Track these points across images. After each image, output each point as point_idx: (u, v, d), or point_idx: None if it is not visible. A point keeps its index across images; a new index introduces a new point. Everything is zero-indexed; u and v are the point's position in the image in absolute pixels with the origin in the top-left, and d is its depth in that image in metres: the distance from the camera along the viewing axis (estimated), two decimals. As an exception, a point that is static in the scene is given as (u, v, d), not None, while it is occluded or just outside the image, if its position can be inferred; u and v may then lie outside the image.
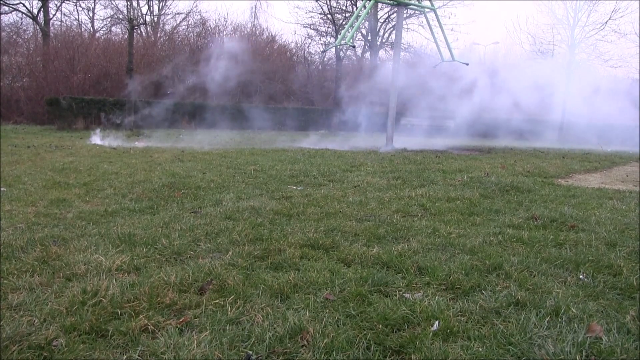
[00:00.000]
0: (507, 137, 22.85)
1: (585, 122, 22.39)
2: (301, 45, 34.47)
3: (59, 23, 29.51)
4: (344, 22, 28.49)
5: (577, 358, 1.92)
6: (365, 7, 14.44)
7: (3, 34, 24.24)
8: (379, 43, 31.27)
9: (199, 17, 33.34)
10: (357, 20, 15.88)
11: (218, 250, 3.25)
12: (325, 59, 32.42)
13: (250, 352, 1.94)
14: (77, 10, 39.68)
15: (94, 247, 3.23)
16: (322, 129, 20.61)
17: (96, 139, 14.00)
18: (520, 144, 19.19)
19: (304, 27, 35.77)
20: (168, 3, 34.34)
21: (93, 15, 32.23)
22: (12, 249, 3.15)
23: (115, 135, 14.74)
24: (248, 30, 30.28)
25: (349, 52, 32.33)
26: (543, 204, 5.07)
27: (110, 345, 2.01)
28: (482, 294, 2.55)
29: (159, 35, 30.81)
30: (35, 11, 25.77)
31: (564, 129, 23.94)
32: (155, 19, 31.83)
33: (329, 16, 30.34)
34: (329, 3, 29.83)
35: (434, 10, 14.88)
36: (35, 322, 2.15)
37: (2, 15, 24.43)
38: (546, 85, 22.20)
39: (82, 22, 32.77)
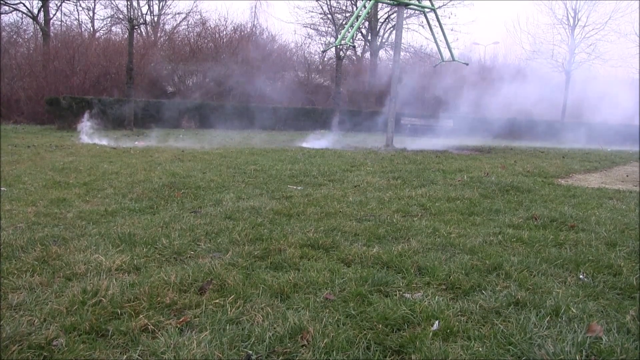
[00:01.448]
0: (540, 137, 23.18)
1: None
2: (301, 45, 34.49)
3: (59, 23, 29.55)
4: (344, 22, 28.48)
5: (577, 358, 1.92)
6: (365, 7, 14.44)
7: (3, 34, 24.23)
8: (379, 43, 31.26)
9: (199, 17, 33.37)
10: (357, 20, 15.88)
11: (218, 250, 3.25)
12: (325, 59, 32.44)
13: (250, 352, 1.94)
14: (77, 10, 39.77)
15: (94, 246, 3.23)
16: (322, 129, 20.62)
17: (84, 133, 13.99)
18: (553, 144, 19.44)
19: (304, 27, 35.79)
20: (168, 3, 34.37)
21: (93, 15, 32.32)
22: (12, 248, 3.15)
23: (103, 133, 14.63)
24: (248, 30, 30.27)
25: (349, 52, 32.34)
26: (543, 204, 5.07)
27: (110, 345, 2.01)
28: (482, 293, 2.55)
29: (159, 35, 30.82)
30: (35, 11, 25.76)
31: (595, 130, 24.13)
32: (155, 18, 31.85)
33: (329, 16, 30.34)
34: (329, 3, 29.85)
35: (434, 10, 14.88)
36: (35, 321, 2.15)
37: (2, 15, 24.44)
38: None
39: (82, 22, 32.84)
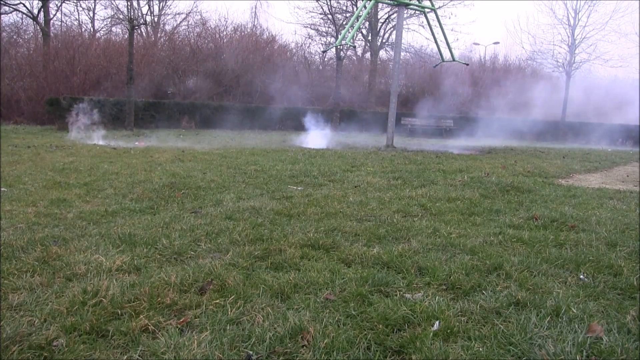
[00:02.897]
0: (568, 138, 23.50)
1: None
2: (301, 45, 34.48)
3: (60, 23, 29.48)
4: (344, 22, 28.48)
5: (578, 358, 1.92)
6: (365, 7, 14.43)
7: (3, 34, 24.23)
8: (379, 43, 31.24)
9: (199, 17, 33.37)
10: (358, 21, 15.88)
11: (218, 250, 3.25)
12: (325, 59, 32.43)
13: (251, 352, 1.94)
14: (78, 11, 39.63)
15: (95, 247, 3.23)
16: (323, 129, 20.65)
17: (74, 130, 13.97)
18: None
19: (305, 27, 35.79)
20: (168, 3, 34.39)
21: (93, 16, 32.24)
22: (12, 249, 3.15)
23: (102, 134, 14.57)
24: (248, 30, 30.25)
25: (349, 52, 32.34)
26: (543, 204, 5.07)
27: (110, 345, 2.01)
28: (483, 294, 2.55)
29: (159, 35, 30.80)
30: (35, 11, 25.73)
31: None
32: (156, 19, 31.82)
33: (329, 16, 30.30)
34: (329, 3, 29.80)
35: (434, 11, 14.88)
36: (36, 322, 2.15)
37: (2, 16, 24.41)
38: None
39: (82, 22, 32.77)
